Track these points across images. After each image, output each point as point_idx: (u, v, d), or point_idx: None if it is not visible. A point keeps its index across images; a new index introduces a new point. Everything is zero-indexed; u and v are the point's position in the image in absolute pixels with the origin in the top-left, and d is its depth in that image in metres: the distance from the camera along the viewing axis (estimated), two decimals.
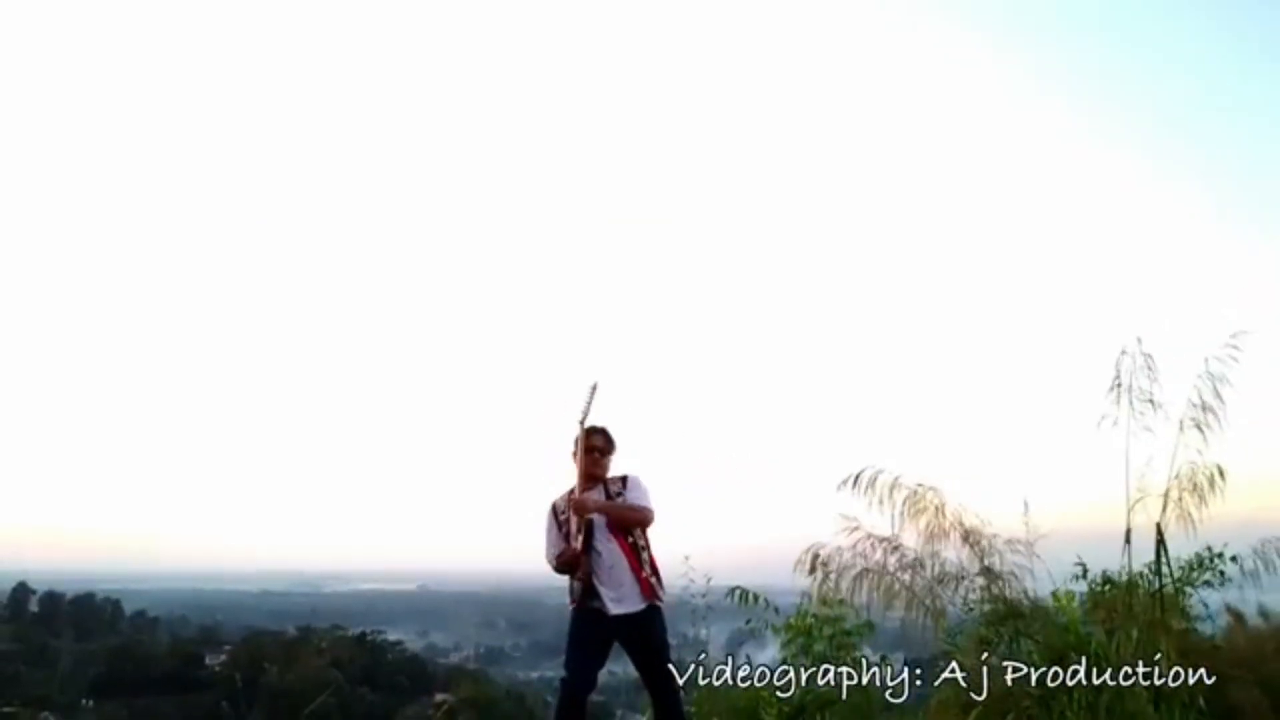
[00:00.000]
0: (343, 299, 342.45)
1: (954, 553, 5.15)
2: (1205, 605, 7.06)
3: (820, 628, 6.96)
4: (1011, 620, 4.76)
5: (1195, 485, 4.61)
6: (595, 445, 4.91)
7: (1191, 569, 7.11)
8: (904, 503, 5.11)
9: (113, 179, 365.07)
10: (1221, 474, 4.65)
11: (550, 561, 4.86)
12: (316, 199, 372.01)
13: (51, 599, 65.44)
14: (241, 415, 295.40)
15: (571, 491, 4.85)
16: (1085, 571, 7.24)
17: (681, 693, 5.07)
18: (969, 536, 5.07)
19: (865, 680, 6.25)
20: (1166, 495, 4.50)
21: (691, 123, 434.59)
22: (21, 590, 64.41)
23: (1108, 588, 6.11)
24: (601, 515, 4.74)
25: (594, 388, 4.92)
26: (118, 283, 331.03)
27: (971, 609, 5.23)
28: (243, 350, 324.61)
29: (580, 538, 4.67)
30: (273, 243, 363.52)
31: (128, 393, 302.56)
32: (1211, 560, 7.10)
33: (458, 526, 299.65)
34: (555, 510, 4.92)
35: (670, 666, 4.86)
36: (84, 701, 47.23)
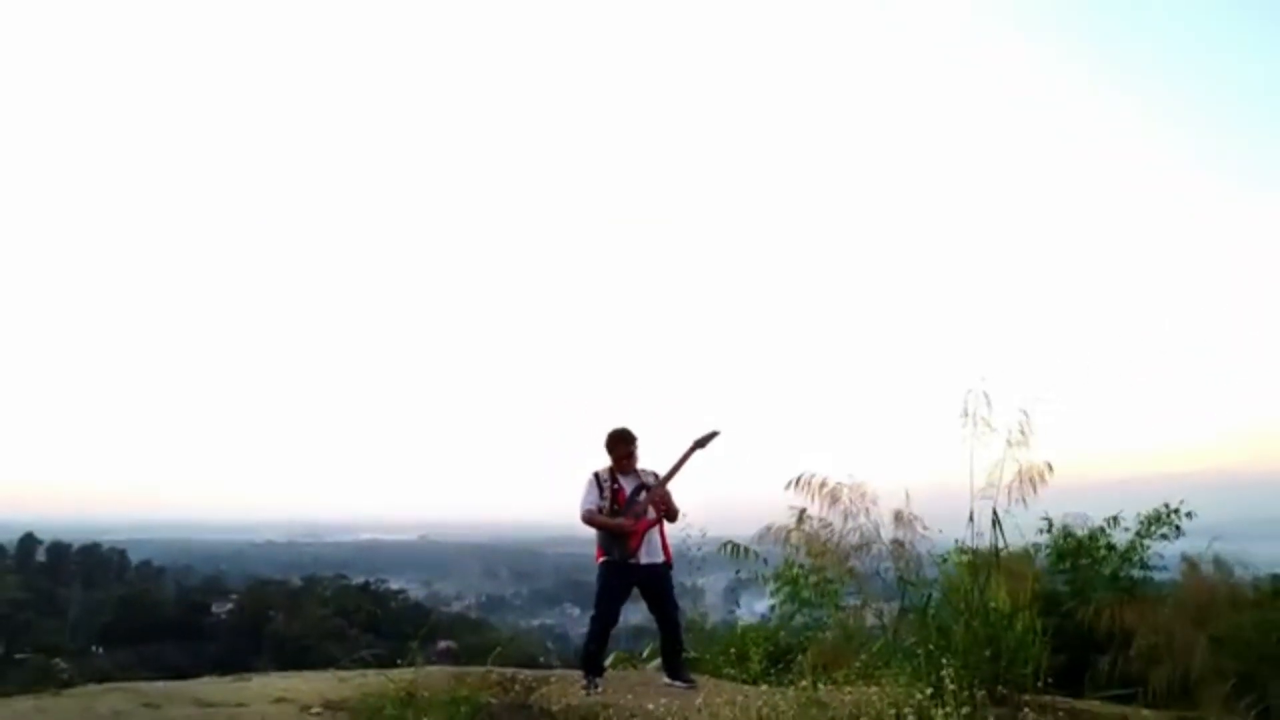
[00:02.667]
0: (345, 263, 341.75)
1: (868, 527, 7.07)
2: (1161, 556, 7.67)
3: (806, 577, 7.57)
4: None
5: (1030, 480, 6.01)
6: (633, 451, 6.35)
7: (1149, 523, 7.69)
8: (826, 495, 7.09)
9: (122, 156, 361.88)
10: (1050, 469, 6.10)
11: (585, 517, 6.28)
12: (329, 184, 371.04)
13: (58, 549, 65.62)
14: (242, 367, 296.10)
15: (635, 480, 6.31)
16: (1051, 525, 7.87)
17: (682, 625, 6.54)
18: (898, 516, 6.86)
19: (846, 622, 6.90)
20: (1007, 487, 5.94)
21: (691, 123, 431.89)
22: (28, 540, 64.66)
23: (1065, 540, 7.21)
24: (660, 501, 6.24)
25: (709, 437, 6.29)
26: (120, 232, 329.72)
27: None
28: (246, 304, 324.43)
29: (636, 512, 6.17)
30: (276, 214, 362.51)
31: (129, 343, 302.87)
32: (1168, 515, 7.68)
33: (457, 479, 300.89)
34: (599, 478, 6.33)
35: (675, 603, 6.40)
36: (94, 649, 47.82)
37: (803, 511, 7.27)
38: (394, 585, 65.73)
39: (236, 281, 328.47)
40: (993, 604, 5.34)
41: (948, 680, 4.44)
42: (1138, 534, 7.67)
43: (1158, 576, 7.85)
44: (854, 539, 7.04)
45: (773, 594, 7.98)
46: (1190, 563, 8.01)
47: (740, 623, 8.81)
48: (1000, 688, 4.95)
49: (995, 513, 5.73)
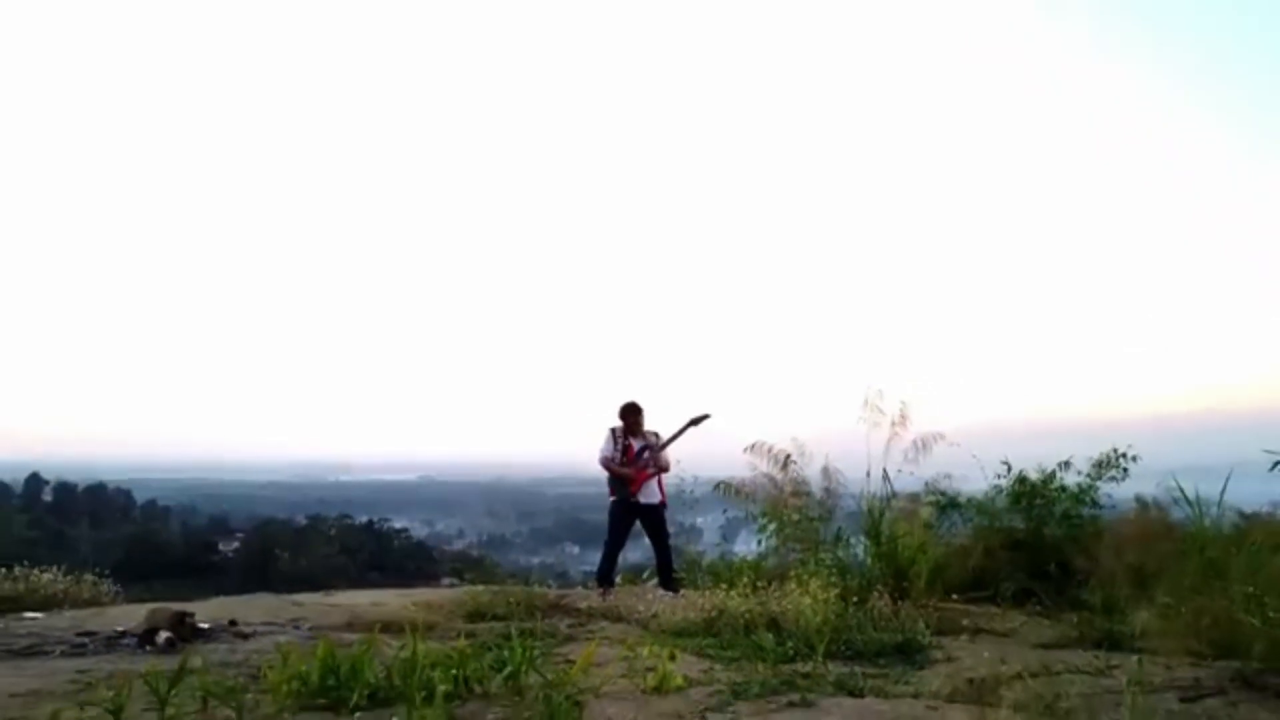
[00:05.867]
0: (349, 207, 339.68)
1: (803, 479, 9.05)
2: (1110, 496, 8.40)
3: (790, 514, 8.35)
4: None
5: (924, 445, 8.35)
6: (640, 420, 8.49)
7: (1100, 466, 8.40)
8: (773, 456, 9.10)
9: (115, 111, 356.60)
10: (940, 437, 8.48)
11: (602, 462, 8.42)
12: (325, 139, 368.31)
13: (64, 489, 65.77)
14: (246, 309, 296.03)
15: (640, 437, 8.49)
16: (1009, 468, 8.58)
17: (672, 552, 8.57)
18: (824, 470, 9.02)
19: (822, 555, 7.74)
20: (903, 451, 8.35)
21: (691, 123, 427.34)
22: (34, 481, 64.92)
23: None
24: (660, 457, 8.40)
25: (702, 418, 8.34)
26: (123, 173, 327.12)
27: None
28: (251, 246, 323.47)
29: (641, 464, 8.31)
30: (285, 163, 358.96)
31: (132, 286, 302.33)
32: (1116, 459, 8.39)
33: (458, 420, 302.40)
34: (615, 434, 8.49)
35: (667, 532, 8.46)
36: None
37: (785, 461, 9.14)
38: (397, 524, 66.70)
39: (240, 225, 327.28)
40: (887, 532, 7.30)
41: (848, 582, 6.85)
42: (1089, 476, 8.36)
43: (1112, 515, 8.55)
44: (792, 487, 8.98)
45: (759, 530, 8.76)
46: (1142, 503, 8.76)
47: (733, 559, 9.58)
48: (892, 592, 6.76)
49: (885, 471, 8.12)
